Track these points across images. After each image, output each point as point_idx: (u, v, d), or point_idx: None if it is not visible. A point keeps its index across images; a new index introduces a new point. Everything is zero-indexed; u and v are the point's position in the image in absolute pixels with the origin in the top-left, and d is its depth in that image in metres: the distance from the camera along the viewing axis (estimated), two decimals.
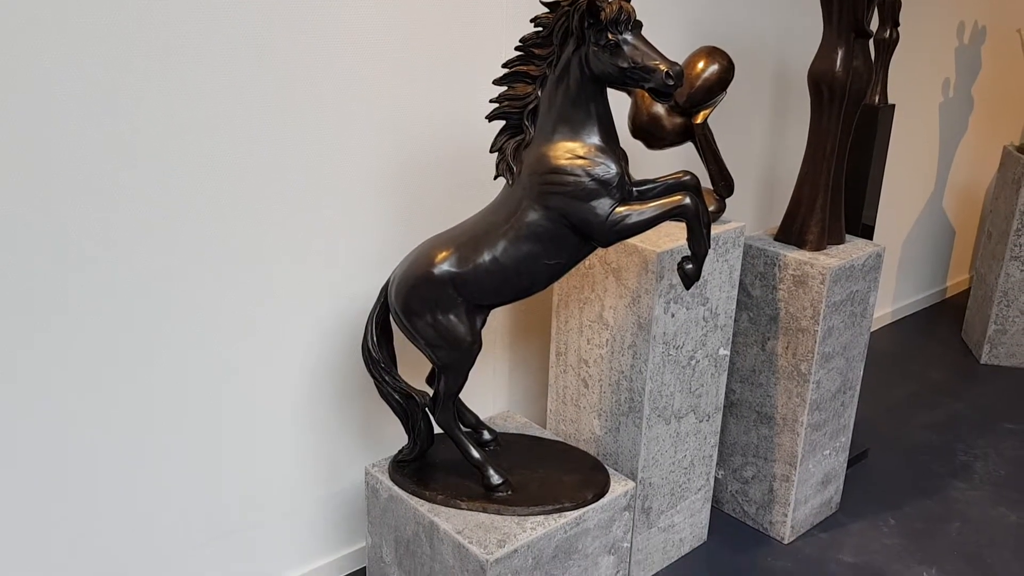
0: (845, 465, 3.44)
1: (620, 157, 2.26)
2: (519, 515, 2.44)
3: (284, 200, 2.51)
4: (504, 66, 2.25)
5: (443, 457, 2.63)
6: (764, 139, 3.93)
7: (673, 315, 2.73)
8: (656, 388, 2.78)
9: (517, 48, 2.23)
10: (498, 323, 3.13)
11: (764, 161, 3.97)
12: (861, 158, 3.42)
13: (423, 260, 2.35)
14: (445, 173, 2.80)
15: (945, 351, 4.95)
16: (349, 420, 2.83)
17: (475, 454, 2.49)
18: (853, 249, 3.09)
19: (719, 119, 3.50)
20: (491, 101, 2.28)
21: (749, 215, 3.98)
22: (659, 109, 2.72)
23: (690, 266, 2.28)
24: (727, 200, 2.87)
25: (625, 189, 2.24)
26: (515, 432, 2.82)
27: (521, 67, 2.24)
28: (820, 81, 2.89)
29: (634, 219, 2.21)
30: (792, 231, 3.08)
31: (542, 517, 2.43)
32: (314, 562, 2.87)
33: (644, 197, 2.31)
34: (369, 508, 2.68)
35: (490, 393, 3.19)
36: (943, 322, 5.33)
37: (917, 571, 3.14)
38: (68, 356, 2.25)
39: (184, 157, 2.30)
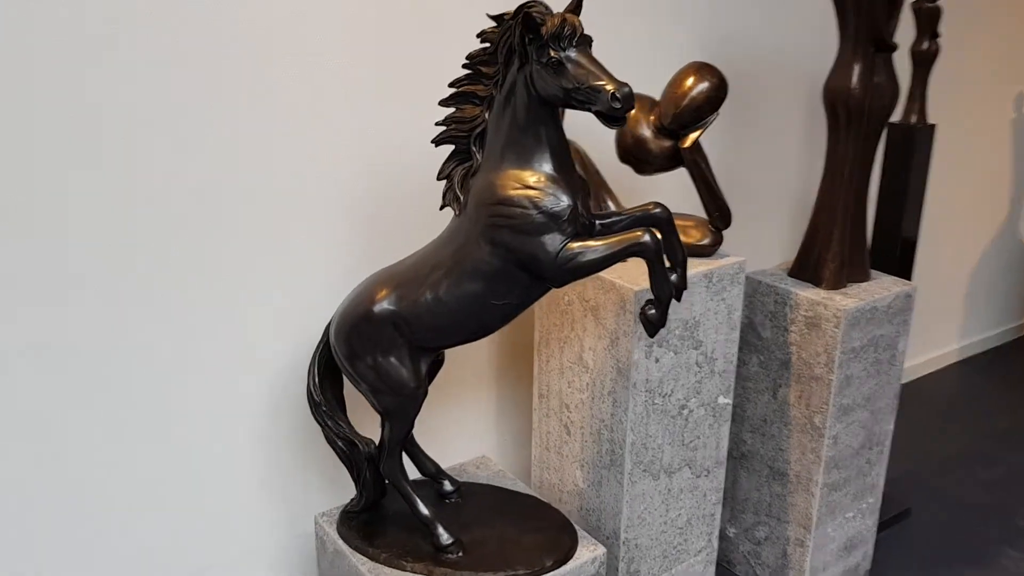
0: (875, 529, 3.07)
1: (577, 187, 2.00)
2: None
3: (238, 231, 2.33)
4: (451, 85, 2.02)
5: (397, 509, 2.40)
6: (793, 161, 3.58)
7: (658, 360, 2.45)
8: (640, 440, 2.50)
9: (464, 66, 2.00)
10: (483, 358, 2.90)
11: (793, 186, 3.63)
12: (896, 184, 3.06)
13: (363, 298, 2.14)
14: (411, 204, 2.57)
15: (1016, 397, 4.48)
16: (311, 461, 2.64)
17: (423, 510, 2.26)
18: (877, 288, 2.75)
19: (743, 140, 3.22)
20: (437, 124, 2.05)
21: (775, 246, 3.64)
22: (645, 131, 2.46)
23: (652, 311, 2.01)
24: (729, 232, 2.58)
25: (579, 223, 1.98)
26: (485, 482, 2.57)
27: (468, 87, 2.01)
28: (835, 100, 2.57)
29: (587, 257, 1.95)
30: (807, 266, 2.76)
31: None
32: None
33: (609, 231, 2.05)
34: (319, 560, 2.47)
35: (472, 435, 2.95)
36: (1018, 363, 4.84)
37: None
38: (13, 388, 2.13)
39: (128, 189, 2.15)
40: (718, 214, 2.51)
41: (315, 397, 2.27)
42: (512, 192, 1.95)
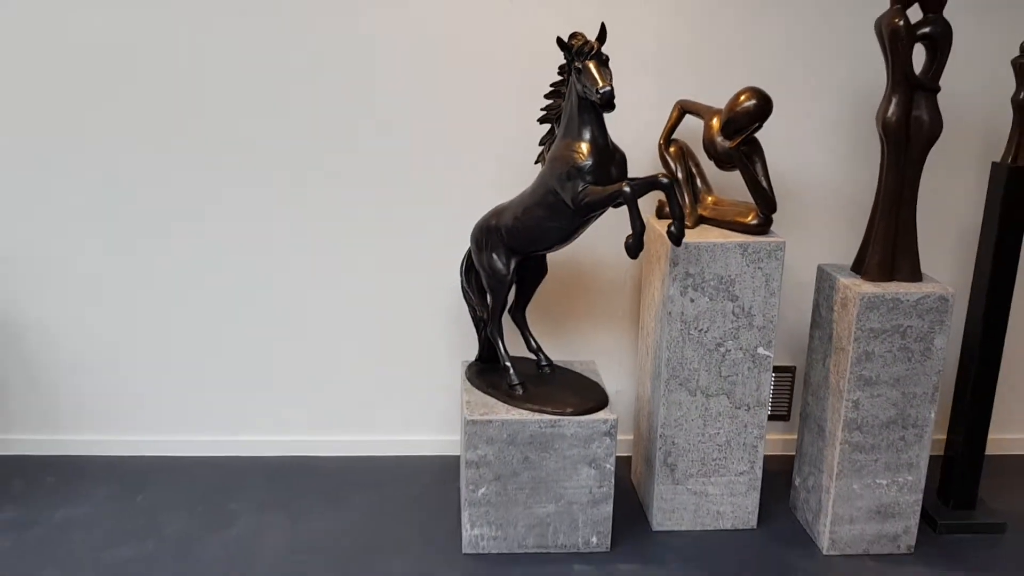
0: (918, 508, 3.47)
1: (607, 155, 3.07)
2: (515, 407, 3.36)
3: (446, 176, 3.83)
4: (550, 85, 3.25)
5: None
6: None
7: (692, 300, 3.35)
8: (676, 359, 3.41)
9: (557, 72, 3.21)
10: (623, 291, 3.98)
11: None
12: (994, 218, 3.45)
13: (486, 216, 3.45)
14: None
15: None
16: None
17: (505, 358, 3.47)
18: (914, 287, 3.27)
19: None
20: (541, 110, 3.29)
21: None
22: (714, 135, 3.37)
23: (631, 241, 3.01)
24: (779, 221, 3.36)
25: (599, 175, 3.05)
26: (576, 371, 3.66)
27: (559, 86, 3.22)
28: (877, 125, 3.21)
29: (591, 198, 3.03)
30: (859, 262, 3.38)
31: (528, 412, 3.32)
32: (440, 435, 4.13)
33: None
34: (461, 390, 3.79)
35: (597, 344, 4.05)
36: None
37: None
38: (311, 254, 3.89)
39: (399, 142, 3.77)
40: (761, 202, 3.32)
41: (461, 280, 3.62)
42: (561, 153, 3.12)
